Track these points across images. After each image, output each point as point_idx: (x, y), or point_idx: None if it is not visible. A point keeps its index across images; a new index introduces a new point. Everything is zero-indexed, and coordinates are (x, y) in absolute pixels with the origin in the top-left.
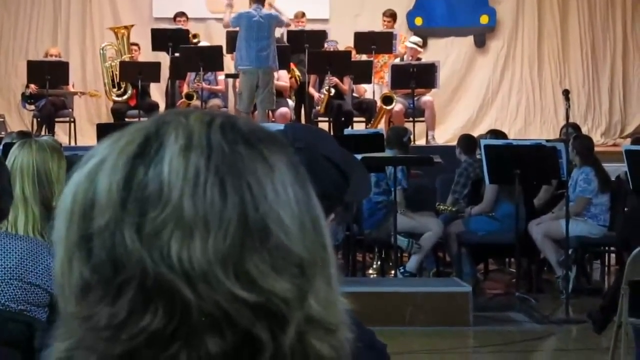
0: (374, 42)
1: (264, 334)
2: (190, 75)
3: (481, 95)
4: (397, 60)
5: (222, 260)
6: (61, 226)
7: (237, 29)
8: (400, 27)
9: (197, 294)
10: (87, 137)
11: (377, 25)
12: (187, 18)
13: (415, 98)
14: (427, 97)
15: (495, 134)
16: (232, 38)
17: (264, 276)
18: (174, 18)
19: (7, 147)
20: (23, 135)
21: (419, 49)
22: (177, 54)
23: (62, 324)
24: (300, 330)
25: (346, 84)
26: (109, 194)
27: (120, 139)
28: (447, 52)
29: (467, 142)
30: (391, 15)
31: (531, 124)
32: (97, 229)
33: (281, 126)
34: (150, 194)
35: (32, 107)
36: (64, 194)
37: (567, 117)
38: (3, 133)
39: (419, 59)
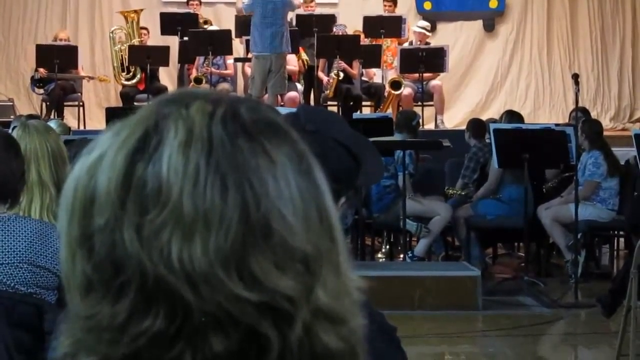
0: (383, 26)
1: (270, 331)
2: (199, 59)
3: (490, 80)
4: (406, 45)
5: (223, 260)
6: (63, 219)
7: (250, 13)
8: (409, 12)
9: (199, 295)
10: (96, 121)
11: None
12: (200, 2)
13: (424, 82)
14: (436, 82)
15: (511, 115)
16: (241, 22)
17: (267, 275)
18: (187, 2)
19: None
20: (32, 119)
21: (427, 33)
22: (186, 38)
23: (67, 320)
24: (307, 324)
25: (355, 68)
26: (107, 192)
27: (121, 132)
28: (456, 37)
29: (477, 126)
30: (391, 0)
31: (540, 108)
32: (97, 228)
33: (292, 109)
34: (149, 193)
35: (41, 90)
36: (66, 186)
37: (577, 101)
38: (12, 117)
39: (427, 43)
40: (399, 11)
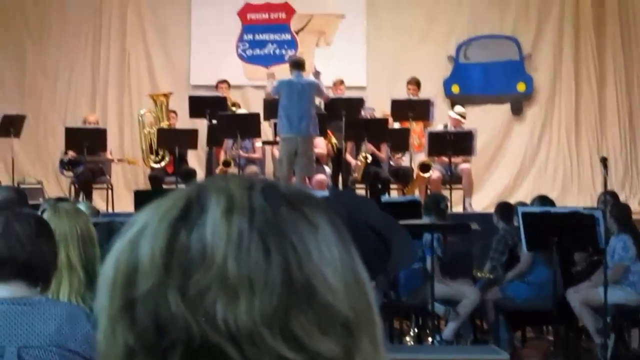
0: (411, 109)
1: None
2: (228, 142)
3: (518, 163)
4: (440, 127)
5: (268, 321)
6: (104, 296)
7: (277, 96)
8: (437, 95)
9: (244, 355)
10: (124, 203)
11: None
12: (229, 86)
13: (453, 165)
14: (464, 165)
15: (543, 200)
16: (269, 105)
17: (310, 336)
18: (216, 85)
19: None
20: (61, 201)
21: (463, 120)
22: (214, 121)
23: None
24: None
25: (383, 151)
26: (151, 259)
27: (161, 205)
28: (484, 120)
29: (505, 209)
30: (416, 83)
31: (569, 191)
32: (140, 295)
33: (321, 192)
34: (194, 257)
35: (70, 173)
36: (106, 264)
37: (605, 185)
38: (41, 199)
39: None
40: (427, 94)
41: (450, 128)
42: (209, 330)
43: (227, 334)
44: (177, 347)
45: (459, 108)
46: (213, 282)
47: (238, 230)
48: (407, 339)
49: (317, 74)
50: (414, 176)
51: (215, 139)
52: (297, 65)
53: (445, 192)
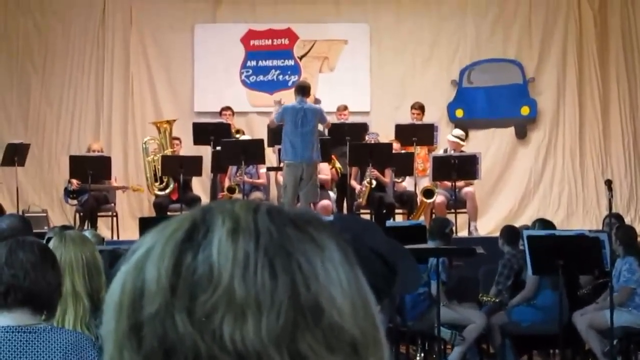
0: (415, 134)
1: None
2: (232, 169)
3: (523, 186)
4: (440, 152)
5: (275, 341)
6: (110, 319)
7: (281, 123)
8: (441, 119)
9: None
10: (129, 231)
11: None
12: (233, 112)
13: (457, 189)
14: (468, 188)
15: (544, 223)
16: (273, 131)
17: (318, 356)
18: (220, 112)
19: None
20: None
21: (462, 142)
22: (218, 148)
23: None
24: None
25: (387, 176)
26: (158, 281)
27: (167, 228)
28: (488, 143)
29: (510, 233)
30: (420, 108)
31: (573, 214)
32: (147, 317)
33: (326, 217)
34: (200, 278)
35: (75, 201)
36: (112, 287)
37: (610, 207)
38: (46, 228)
39: (462, 151)
40: (431, 118)
41: (450, 151)
42: (216, 351)
43: (235, 354)
44: None
45: (457, 131)
46: (220, 302)
47: (244, 251)
48: None
49: (317, 101)
50: (418, 202)
51: (219, 166)
52: (302, 90)
53: (450, 217)
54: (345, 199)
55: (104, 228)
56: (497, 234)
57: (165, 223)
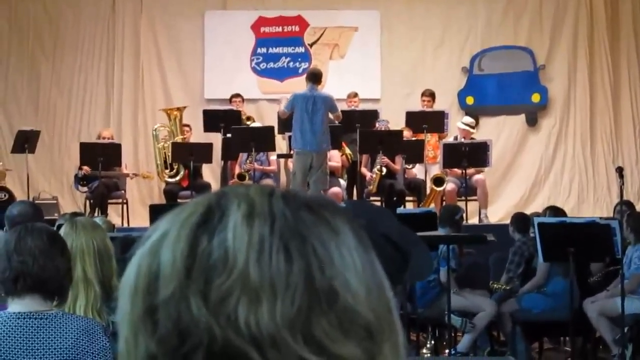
0: (426, 121)
1: None
2: (242, 156)
3: (533, 174)
4: (450, 139)
5: (290, 325)
6: (125, 303)
7: (292, 111)
8: (452, 106)
9: (266, 358)
10: (139, 218)
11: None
12: (243, 100)
13: (467, 177)
14: (479, 176)
15: (554, 210)
16: (283, 118)
17: (333, 340)
18: (230, 99)
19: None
20: (77, 216)
21: (471, 130)
22: (229, 135)
23: None
24: None
25: (398, 164)
26: (173, 264)
27: (182, 212)
28: (498, 131)
29: (521, 220)
30: (430, 95)
31: (584, 201)
32: (162, 300)
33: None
34: (215, 262)
35: (85, 188)
36: (127, 271)
37: (621, 195)
38: (56, 214)
39: (472, 139)
40: (441, 106)
41: (460, 139)
42: (231, 334)
43: (250, 338)
44: (198, 351)
45: (467, 118)
46: (235, 286)
47: (259, 234)
48: (424, 351)
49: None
50: (428, 190)
51: (229, 153)
52: (314, 77)
53: (461, 204)
54: (355, 186)
55: (114, 215)
56: (508, 221)
57: (181, 207)
